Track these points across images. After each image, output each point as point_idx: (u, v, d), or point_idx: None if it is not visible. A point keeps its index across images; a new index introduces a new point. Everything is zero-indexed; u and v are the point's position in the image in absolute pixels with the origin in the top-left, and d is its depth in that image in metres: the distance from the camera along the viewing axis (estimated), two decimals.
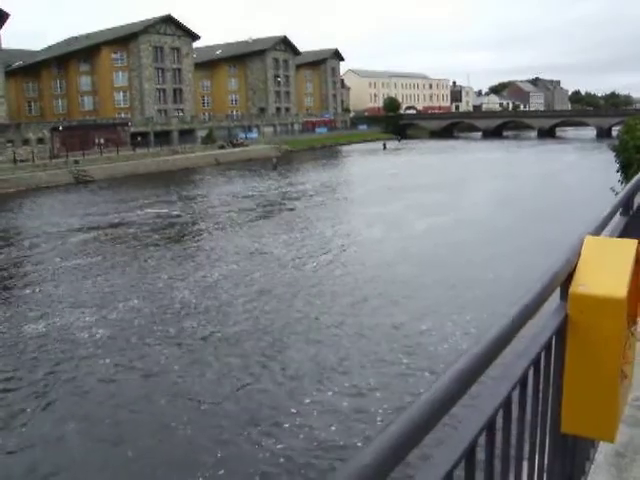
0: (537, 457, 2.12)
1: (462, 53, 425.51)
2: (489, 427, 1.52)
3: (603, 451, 3.63)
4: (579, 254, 2.25)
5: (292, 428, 11.79)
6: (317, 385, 13.57)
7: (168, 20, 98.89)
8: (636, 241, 2.44)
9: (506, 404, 1.63)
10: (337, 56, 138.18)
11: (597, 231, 2.74)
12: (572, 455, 2.62)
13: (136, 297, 20.62)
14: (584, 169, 55.16)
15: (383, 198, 41.97)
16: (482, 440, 1.50)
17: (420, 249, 26.12)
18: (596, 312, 2.09)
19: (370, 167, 68.28)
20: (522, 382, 1.77)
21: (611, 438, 2.35)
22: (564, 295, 2.16)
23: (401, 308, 18.37)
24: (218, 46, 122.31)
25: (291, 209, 39.58)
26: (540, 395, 2.05)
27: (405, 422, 1.12)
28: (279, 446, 11.17)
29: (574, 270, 2.19)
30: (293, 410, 12.50)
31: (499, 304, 16.15)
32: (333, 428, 11.71)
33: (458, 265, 22.92)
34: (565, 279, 2.14)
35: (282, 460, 10.79)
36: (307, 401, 12.86)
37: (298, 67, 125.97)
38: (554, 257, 2.14)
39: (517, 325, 1.64)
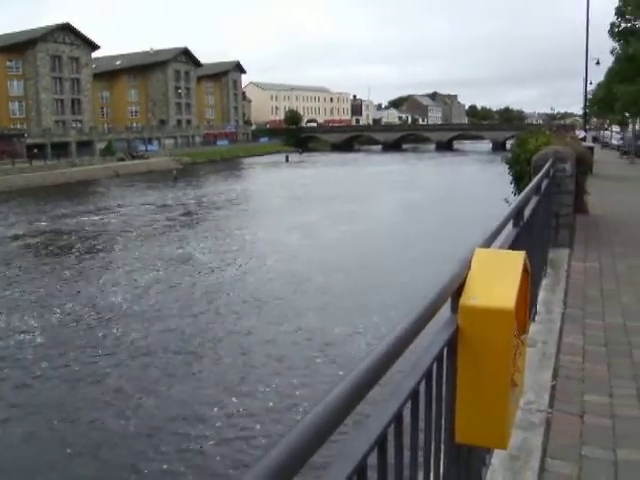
0: (432, 468, 2.13)
1: (363, 67, 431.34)
2: (381, 443, 1.50)
3: (498, 455, 3.71)
4: (469, 266, 2.29)
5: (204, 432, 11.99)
6: (229, 390, 13.84)
7: (66, 28, 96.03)
8: (523, 252, 2.50)
9: (397, 418, 1.62)
10: (239, 68, 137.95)
11: (488, 242, 2.79)
12: (468, 462, 2.65)
13: (50, 308, 20.42)
14: (482, 180, 56.88)
15: (294, 209, 42.39)
16: (374, 457, 1.48)
17: (332, 257, 26.66)
18: (486, 323, 2.12)
19: (275, 179, 68.54)
20: (414, 395, 1.76)
21: (503, 446, 2.39)
22: (455, 307, 2.18)
23: (316, 313, 18.84)
24: (118, 56, 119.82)
25: (197, 220, 39.42)
26: (433, 407, 2.05)
27: (282, 449, 1.09)
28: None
29: (464, 282, 2.22)
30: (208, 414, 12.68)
31: (405, 308, 16.65)
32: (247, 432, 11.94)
33: (367, 271, 23.59)
34: (455, 291, 2.16)
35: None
36: (217, 408, 13.02)
37: (199, 79, 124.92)
38: (445, 270, 2.16)
39: (406, 339, 1.63)
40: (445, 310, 2.20)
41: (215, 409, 13.01)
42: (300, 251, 28.41)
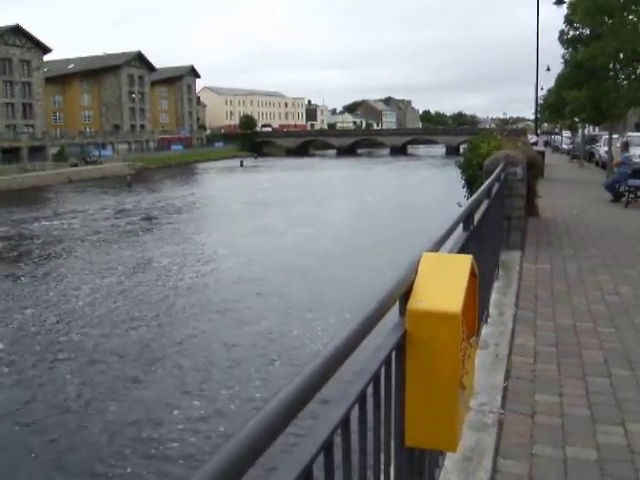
0: (382, 472, 2.14)
1: (318, 72, 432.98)
2: (327, 447, 1.50)
3: (452, 457, 3.74)
4: (416, 270, 2.31)
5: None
6: (190, 393, 13.89)
7: (17, 30, 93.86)
8: (470, 256, 2.53)
9: (344, 422, 1.63)
10: (193, 73, 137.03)
11: (437, 246, 2.82)
12: (420, 464, 2.67)
13: (9, 313, 20.29)
14: (435, 184, 57.41)
15: (252, 213, 42.38)
16: (321, 462, 1.49)
17: (291, 259, 26.76)
18: (433, 327, 2.14)
19: (231, 184, 68.25)
20: (361, 399, 1.77)
21: (453, 448, 2.41)
22: (403, 311, 2.20)
23: (275, 316, 19.01)
24: (71, 60, 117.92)
25: (155, 225, 39.15)
26: (382, 411, 2.06)
27: (227, 453, 1.08)
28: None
29: (412, 286, 2.23)
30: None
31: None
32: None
33: (325, 273, 23.78)
34: (403, 295, 2.18)
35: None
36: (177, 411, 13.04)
37: (153, 84, 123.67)
38: (392, 273, 2.18)
39: (352, 343, 1.64)
40: (394, 314, 2.21)
41: (175, 412, 12.99)
42: (259, 254, 28.44)
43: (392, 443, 2.24)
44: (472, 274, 2.47)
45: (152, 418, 12.80)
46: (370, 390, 1.88)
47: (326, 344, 1.57)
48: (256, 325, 18.18)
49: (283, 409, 1.27)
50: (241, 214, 42.42)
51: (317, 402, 1.47)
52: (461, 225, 4.03)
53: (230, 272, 25.26)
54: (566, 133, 61.46)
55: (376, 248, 27.38)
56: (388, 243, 27.78)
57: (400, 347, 2.14)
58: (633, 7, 21.30)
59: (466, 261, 2.44)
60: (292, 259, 26.88)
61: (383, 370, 2.00)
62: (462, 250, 3.66)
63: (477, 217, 4.85)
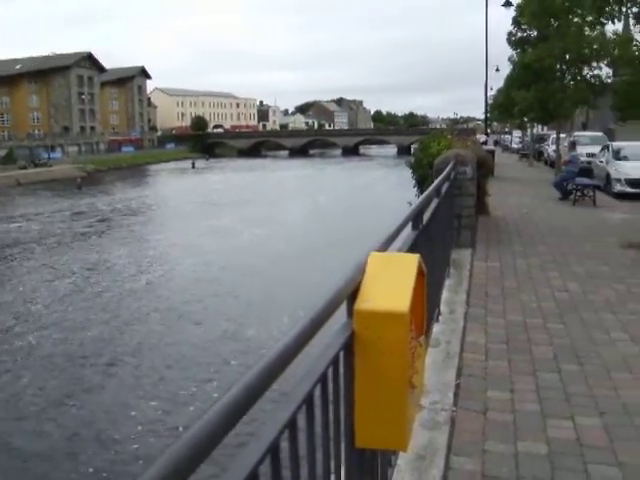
0: (333, 474, 2.12)
1: (269, 73, 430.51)
2: (273, 450, 1.48)
3: (405, 456, 3.75)
4: (364, 270, 2.30)
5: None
6: (148, 395, 13.72)
7: None
8: (417, 255, 2.53)
9: (291, 424, 1.61)
10: (144, 74, 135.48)
11: (385, 246, 2.81)
12: (372, 465, 2.67)
13: None
14: (387, 184, 57.70)
15: (207, 214, 42.11)
16: (267, 465, 1.47)
17: (246, 260, 26.66)
18: (380, 327, 2.13)
19: (185, 185, 67.66)
20: (308, 401, 1.75)
21: (403, 447, 2.41)
22: (350, 311, 2.18)
23: (231, 316, 18.91)
24: (18, 60, 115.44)
25: (109, 228, 38.67)
26: (331, 412, 2.05)
27: (169, 457, 1.06)
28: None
29: (359, 286, 2.22)
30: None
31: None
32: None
33: (279, 273, 23.76)
34: (350, 295, 2.17)
35: None
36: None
37: (104, 85, 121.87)
38: (339, 274, 2.17)
39: (298, 344, 1.62)
40: (343, 314, 2.20)
41: (133, 413, 12.85)
42: (215, 255, 28.31)
43: (342, 444, 2.23)
44: (420, 273, 2.47)
45: (110, 420, 12.64)
46: (318, 391, 1.86)
47: (271, 346, 1.55)
48: (213, 326, 18.11)
49: (227, 412, 1.25)
50: (196, 215, 42.14)
51: (266, 403, 1.46)
52: (410, 224, 4.04)
53: (186, 273, 25.11)
54: (517, 133, 62.36)
55: (329, 248, 27.43)
56: (341, 243, 27.84)
57: (348, 347, 2.13)
58: (577, 10, 21.69)
59: (413, 260, 2.44)
60: (247, 259, 26.82)
61: (331, 371, 1.98)
62: (411, 249, 3.66)
63: (427, 216, 4.88)
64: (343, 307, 2.18)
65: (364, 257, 2.38)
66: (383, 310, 2.14)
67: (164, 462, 1.05)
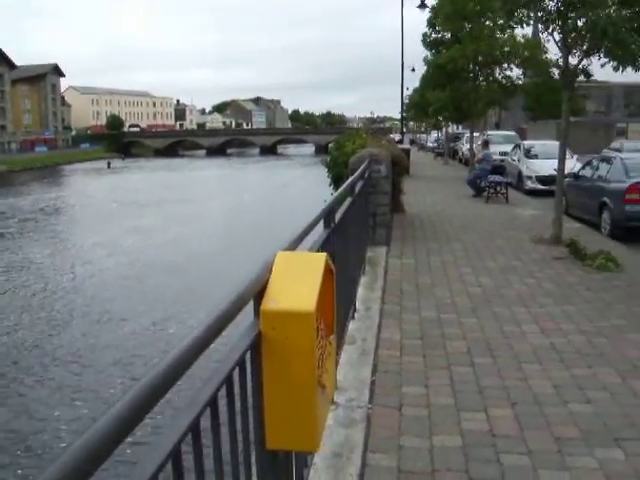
0: (244, 478, 2.10)
1: (186, 72, 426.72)
2: (175, 456, 1.44)
3: (322, 454, 3.75)
4: (270, 269, 2.27)
5: None
6: (69, 395, 13.35)
7: None
8: (325, 254, 2.52)
9: (194, 429, 1.57)
10: (57, 72, 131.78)
11: (294, 245, 2.80)
12: (286, 466, 2.65)
13: None
14: (305, 182, 57.89)
15: (129, 213, 41.32)
16: (169, 472, 1.43)
17: (169, 258, 26.38)
18: (287, 327, 2.11)
19: (103, 185, 66.09)
20: (212, 404, 1.72)
21: (314, 448, 2.40)
22: (257, 312, 2.16)
23: (154, 314, 18.56)
24: None
25: (27, 229, 37.42)
26: (238, 414, 2.02)
27: (60, 465, 1.01)
28: None
29: (265, 286, 2.20)
30: None
31: None
32: None
33: (202, 270, 23.57)
34: (257, 295, 2.14)
35: None
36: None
37: (15, 82, 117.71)
38: (245, 273, 2.14)
39: (200, 346, 1.59)
40: (250, 314, 2.18)
41: (57, 413, 12.48)
42: (138, 254, 27.90)
43: (252, 447, 2.20)
44: (328, 272, 2.46)
45: (33, 422, 12.26)
46: (223, 393, 1.83)
47: (172, 347, 1.51)
48: (136, 324, 17.81)
49: (126, 415, 1.21)
50: (118, 215, 41.33)
51: (169, 408, 1.42)
52: (322, 223, 4.03)
53: (110, 272, 24.65)
54: (436, 133, 63.51)
55: (250, 245, 27.45)
56: (261, 240, 27.91)
57: (255, 348, 2.10)
58: (489, 14, 22.19)
59: (320, 259, 2.43)
60: (170, 258, 26.54)
61: (237, 373, 1.95)
62: (323, 247, 3.66)
63: (340, 214, 4.89)
64: (251, 307, 2.15)
65: (271, 256, 2.35)
66: (289, 310, 2.12)
67: (62, 463, 1.01)
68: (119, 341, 16.68)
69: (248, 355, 2.05)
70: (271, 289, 2.19)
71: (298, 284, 2.22)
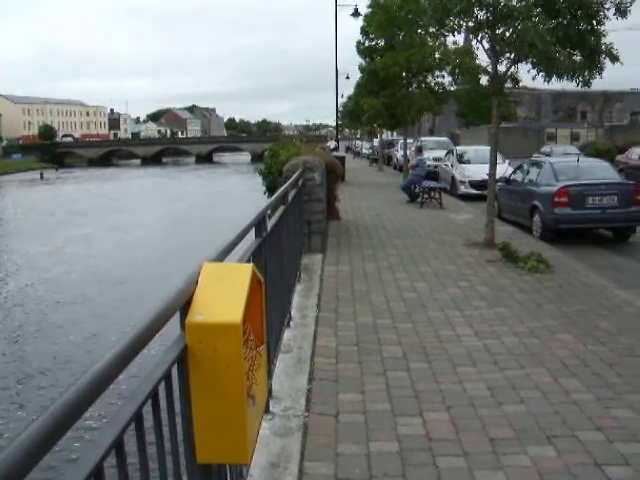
0: None
1: (120, 80, 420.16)
2: (97, 475, 1.40)
3: (258, 465, 3.73)
4: (197, 281, 2.24)
5: None
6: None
7: None
8: (251, 265, 2.50)
9: (117, 446, 1.54)
10: None
11: (223, 255, 2.76)
12: (220, 479, 2.61)
13: None
14: (243, 190, 57.68)
15: (69, 223, 40.42)
16: None
17: (110, 267, 25.95)
18: (214, 339, 2.08)
19: (37, 196, 64.54)
20: (137, 419, 1.68)
21: (245, 460, 2.37)
22: (183, 324, 2.12)
23: (95, 323, 18.20)
24: None
25: None
26: (166, 429, 1.98)
27: None
28: None
29: (191, 298, 2.17)
30: None
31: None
32: None
33: (141, 279, 23.17)
34: (183, 308, 2.11)
35: None
36: None
37: None
38: (172, 285, 2.10)
39: (123, 361, 1.55)
40: (176, 327, 2.14)
41: None
42: (80, 263, 27.39)
43: (183, 461, 2.17)
44: (256, 282, 2.44)
45: None
46: (149, 408, 1.79)
47: (94, 362, 1.47)
48: (77, 334, 17.47)
49: (44, 432, 1.17)
50: (57, 225, 40.44)
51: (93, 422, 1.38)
52: (253, 232, 4.01)
53: (51, 282, 24.14)
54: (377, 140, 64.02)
55: (189, 252, 27.27)
56: (199, 247, 27.74)
57: (182, 361, 2.07)
58: (420, 22, 22.48)
59: (247, 270, 2.41)
60: (111, 267, 26.15)
61: (163, 387, 1.91)
62: (254, 257, 3.64)
63: (273, 223, 4.87)
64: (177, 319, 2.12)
65: (197, 268, 2.32)
66: (216, 322, 2.09)
67: None
68: (56, 349, 16.34)
69: (175, 368, 2.02)
70: (197, 301, 2.16)
71: (224, 295, 2.20)
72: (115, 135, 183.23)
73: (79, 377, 1.38)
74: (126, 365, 1.57)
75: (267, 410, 4.37)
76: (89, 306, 20.25)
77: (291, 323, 6.40)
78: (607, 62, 10.82)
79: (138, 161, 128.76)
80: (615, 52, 10.81)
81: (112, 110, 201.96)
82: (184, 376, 2.10)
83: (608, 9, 10.47)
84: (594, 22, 10.56)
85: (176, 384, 2.08)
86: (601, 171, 14.95)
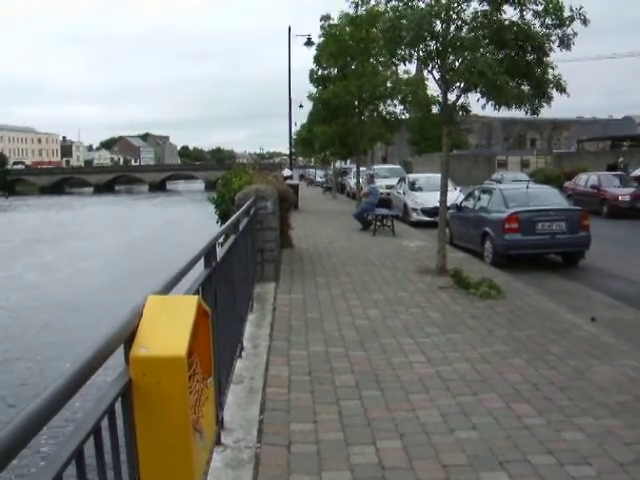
0: None
1: (72, 107, 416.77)
2: None
3: None
4: (141, 314, 2.21)
5: None
6: None
7: None
8: (197, 297, 2.48)
9: None
10: None
11: (169, 287, 2.73)
12: None
13: None
14: (197, 218, 57.42)
15: (26, 251, 39.74)
16: None
17: (68, 294, 25.48)
18: (158, 373, 2.05)
19: None
20: (78, 456, 1.64)
21: None
22: (127, 358, 2.09)
23: (52, 350, 17.76)
24: None
25: None
26: (109, 466, 1.94)
27: None
28: None
29: (135, 331, 2.14)
30: None
31: None
32: None
33: (99, 305, 22.82)
34: (127, 341, 2.08)
35: None
36: None
37: None
38: (115, 319, 2.07)
39: (64, 396, 1.52)
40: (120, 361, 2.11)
41: None
42: (38, 290, 26.87)
43: None
44: (202, 314, 2.42)
45: None
46: (91, 445, 1.75)
47: (32, 400, 1.44)
48: (30, 361, 17.09)
49: None
50: (15, 253, 39.81)
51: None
52: (203, 262, 3.98)
53: (7, 309, 23.63)
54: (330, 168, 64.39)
55: (145, 279, 27.00)
56: (155, 273, 27.49)
57: (126, 396, 2.03)
58: (372, 52, 22.76)
59: (192, 302, 2.39)
60: (69, 294, 25.74)
61: (106, 423, 1.88)
62: (204, 287, 3.62)
63: (224, 252, 4.85)
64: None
65: (141, 300, 2.29)
66: (159, 355, 2.06)
67: None
68: (6, 378, 15.98)
69: (120, 403, 1.98)
70: (141, 334, 2.13)
71: (169, 328, 2.17)
72: (67, 163, 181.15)
73: (14, 416, 1.35)
74: (66, 402, 1.54)
75: (219, 442, 4.32)
76: (47, 333, 19.92)
77: (243, 353, 6.36)
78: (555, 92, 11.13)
79: (91, 189, 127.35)
80: (563, 83, 11.12)
81: (64, 137, 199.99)
82: (128, 411, 2.06)
83: (553, 42, 10.78)
84: (540, 54, 10.85)
85: (120, 419, 2.04)
86: (550, 197, 15.25)
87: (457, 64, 11.02)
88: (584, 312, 9.25)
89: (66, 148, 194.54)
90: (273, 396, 5.51)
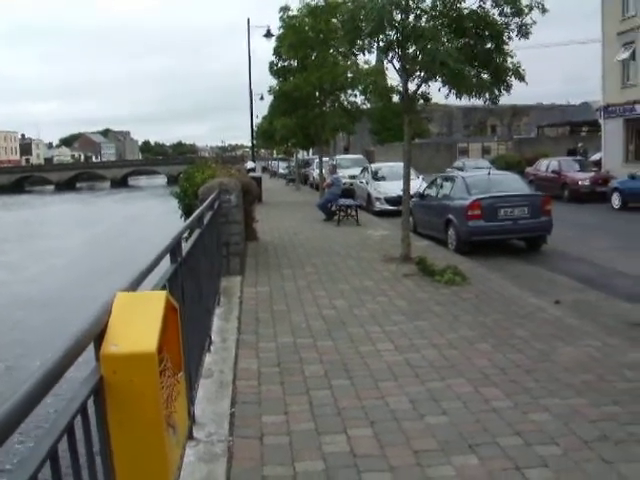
0: None
1: (30, 104, 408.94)
2: None
3: None
4: (110, 311, 2.21)
5: None
6: None
7: None
8: (165, 292, 2.48)
9: None
10: None
11: (136, 283, 2.73)
12: None
13: None
14: (159, 212, 57.00)
15: None
16: None
17: (36, 291, 25.13)
18: (129, 370, 2.05)
19: None
20: (53, 455, 1.64)
21: None
22: (98, 356, 2.08)
23: (20, 349, 17.50)
24: None
25: None
26: (83, 464, 1.94)
27: None
28: None
29: (105, 329, 2.13)
30: None
31: None
32: None
33: (69, 302, 22.57)
34: (97, 339, 2.07)
35: None
36: None
37: None
38: (84, 317, 2.06)
39: (34, 397, 1.51)
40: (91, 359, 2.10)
41: None
42: (3, 288, 26.47)
43: None
44: (170, 309, 2.42)
45: None
46: (65, 445, 1.75)
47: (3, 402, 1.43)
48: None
49: None
50: None
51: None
52: (169, 257, 3.97)
53: None
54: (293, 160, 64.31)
55: (111, 274, 26.81)
56: (121, 268, 27.29)
57: (98, 394, 2.03)
58: (332, 43, 22.72)
59: (160, 297, 2.39)
60: (36, 291, 25.40)
61: (79, 421, 1.87)
62: (170, 283, 3.61)
63: (189, 247, 4.83)
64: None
65: (110, 297, 2.29)
66: (130, 352, 2.06)
67: None
68: None
69: (92, 401, 1.98)
70: (111, 332, 2.12)
71: (138, 325, 2.17)
72: (27, 161, 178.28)
73: None
74: (38, 403, 1.54)
75: (191, 437, 4.32)
76: (17, 330, 19.66)
77: (212, 347, 6.34)
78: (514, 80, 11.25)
79: (52, 187, 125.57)
80: (522, 72, 11.24)
81: (23, 135, 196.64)
82: (101, 408, 2.06)
83: (512, 30, 10.89)
84: (499, 42, 10.95)
85: (93, 417, 2.03)
86: (512, 183, 15.43)
87: (418, 54, 11.07)
88: (548, 295, 9.41)
89: (25, 146, 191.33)
90: (243, 389, 5.51)
